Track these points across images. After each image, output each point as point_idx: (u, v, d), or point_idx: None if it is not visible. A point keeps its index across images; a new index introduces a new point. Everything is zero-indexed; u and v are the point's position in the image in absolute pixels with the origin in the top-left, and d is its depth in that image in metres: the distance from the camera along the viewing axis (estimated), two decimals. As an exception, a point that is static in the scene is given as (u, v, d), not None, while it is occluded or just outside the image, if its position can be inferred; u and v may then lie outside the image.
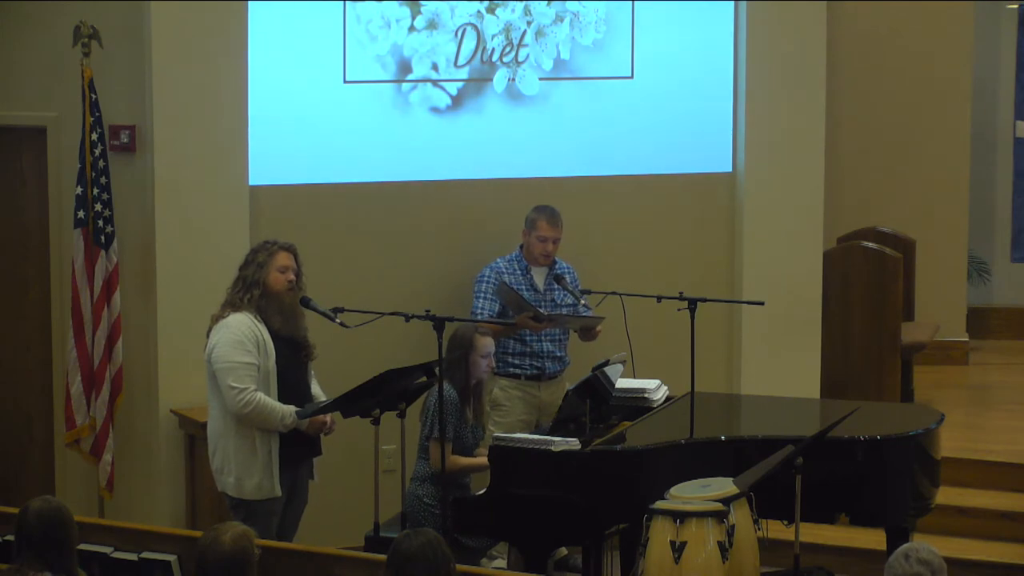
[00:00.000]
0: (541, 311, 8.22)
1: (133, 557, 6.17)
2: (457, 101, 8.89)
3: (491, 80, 8.94)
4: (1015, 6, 12.19)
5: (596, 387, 7.56)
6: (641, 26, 9.17)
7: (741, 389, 9.35)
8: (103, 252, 8.20)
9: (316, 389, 7.41)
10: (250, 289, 7.15)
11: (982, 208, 12.11)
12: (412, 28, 8.76)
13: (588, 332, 8.39)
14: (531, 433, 7.66)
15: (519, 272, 8.46)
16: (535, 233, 8.44)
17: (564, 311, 8.44)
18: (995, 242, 12.33)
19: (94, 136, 8.17)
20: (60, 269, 8.49)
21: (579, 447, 7.02)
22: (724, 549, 6.47)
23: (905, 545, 4.93)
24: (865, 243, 10.10)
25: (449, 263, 8.84)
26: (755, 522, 6.71)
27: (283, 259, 7.21)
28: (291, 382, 7.21)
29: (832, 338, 9.75)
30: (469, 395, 7.64)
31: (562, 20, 9.03)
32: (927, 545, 4.91)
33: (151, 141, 8.29)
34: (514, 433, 7.56)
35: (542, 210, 8.47)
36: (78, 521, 5.47)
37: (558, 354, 8.50)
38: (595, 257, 9.05)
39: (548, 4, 8.99)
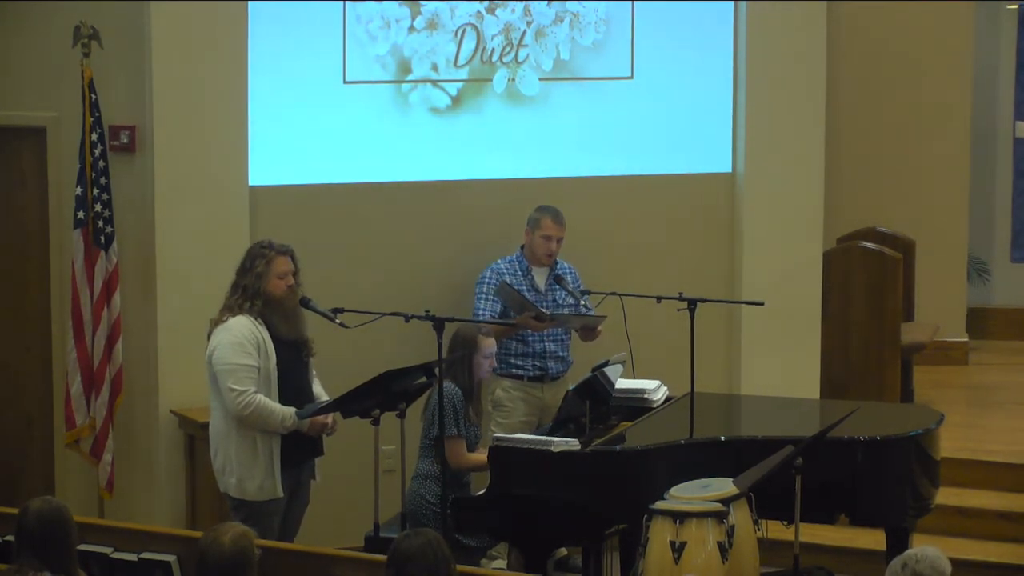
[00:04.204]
0: (543, 311, 8.22)
1: (133, 557, 6.16)
2: (457, 101, 8.89)
3: (491, 80, 8.94)
4: (1015, 6, 12.18)
5: (596, 387, 7.56)
6: (641, 26, 9.16)
7: (741, 389, 9.35)
8: (103, 252, 8.19)
9: (318, 389, 7.42)
10: (251, 299, 7.14)
11: (982, 208, 12.10)
12: (412, 28, 8.76)
13: (589, 331, 8.38)
14: (532, 434, 7.66)
15: (520, 273, 8.45)
16: (539, 232, 8.43)
17: (565, 311, 8.43)
18: (995, 242, 12.32)
19: (94, 136, 8.17)
20: (60, 269, 8.49)
21: (579, 447, 7.02)
22: (724, 549, 6.47)
23: (909, 552, 4.88)
24: (865, 243, 10.09)
25: (449, 263, 8.83)
26: (755, 522, 6.71)
27: (281, 265, 7.20)
28: (293, 383, 7.22)
29: (832, 338, 9.74)
30: (472, 394, 7.64)
31: (562, 20, 9.03)
32: (932, 555, 4.83)
33: (151, 141, 8.29)
34: (515, 434, 7.56)
35: (546, 209, 8.47)
36: (78, 521, 5.47)
37: (561, 354, 8.48)
38: (595, 257, 9.04)
39: (548, 4, 8.99)
